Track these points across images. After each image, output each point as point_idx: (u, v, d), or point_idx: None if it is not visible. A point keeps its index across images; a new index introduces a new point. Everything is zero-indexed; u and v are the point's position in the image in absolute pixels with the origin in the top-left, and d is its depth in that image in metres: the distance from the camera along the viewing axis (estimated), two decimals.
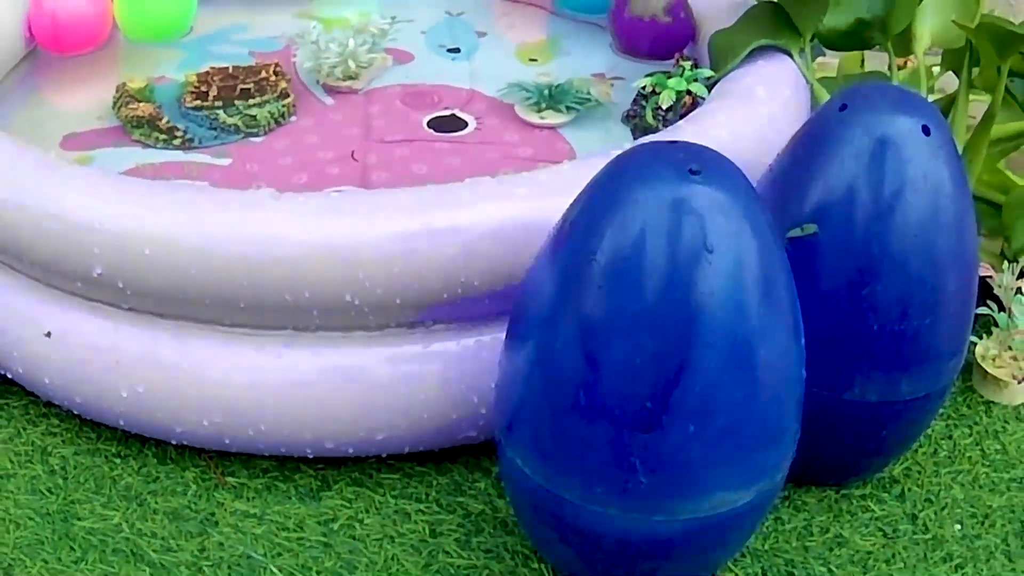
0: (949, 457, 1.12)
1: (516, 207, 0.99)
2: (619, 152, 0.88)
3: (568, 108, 1.25)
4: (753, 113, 1.12)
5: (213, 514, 1.03)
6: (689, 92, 1.19)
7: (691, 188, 0.83)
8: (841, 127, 0.98)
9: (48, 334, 1.05)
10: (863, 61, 1.45)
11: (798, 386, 0.90)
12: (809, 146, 1.00)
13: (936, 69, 1.35)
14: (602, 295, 0.85)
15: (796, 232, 0.95)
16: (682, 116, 1.15)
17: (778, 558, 1.02)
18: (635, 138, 1.21)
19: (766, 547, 1.03)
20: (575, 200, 0.89)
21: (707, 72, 1.19)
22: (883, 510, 1.06)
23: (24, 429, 1.12)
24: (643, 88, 1.23)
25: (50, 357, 1.06)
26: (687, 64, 1.23)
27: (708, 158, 0.87)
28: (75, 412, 1.10)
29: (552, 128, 1.25)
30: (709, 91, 1.18)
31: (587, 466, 0.89)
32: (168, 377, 1.01)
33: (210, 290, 0.97)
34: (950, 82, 1.35)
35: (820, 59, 1.34)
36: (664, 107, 1.18)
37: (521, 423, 0.91)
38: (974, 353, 1.18)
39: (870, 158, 0.96)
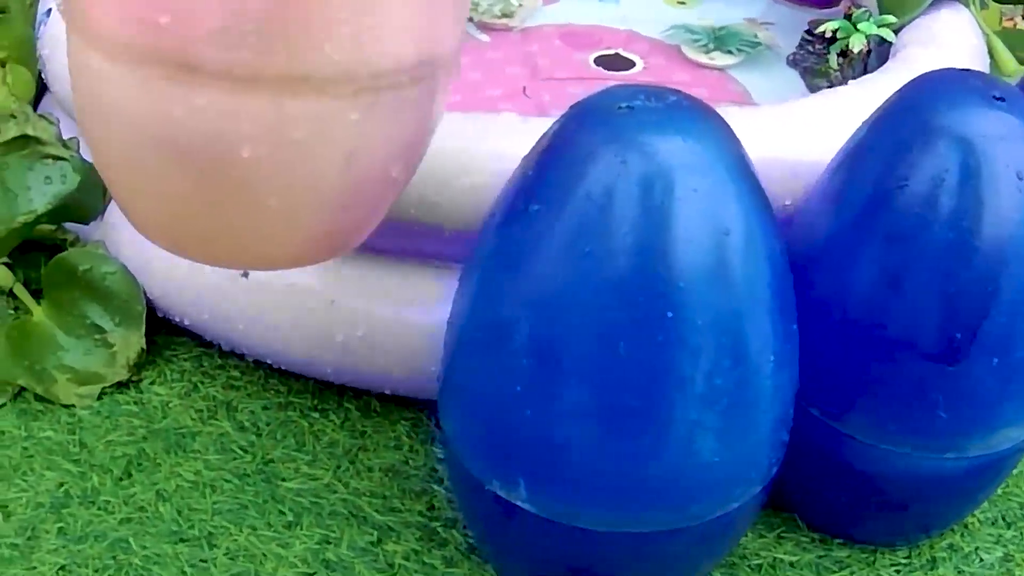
0: None
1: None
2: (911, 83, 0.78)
3: (738, 50, 1.11)
4: (949, 59, 1.00)
5: (435, 470, 0.87)
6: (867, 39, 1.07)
7: (1000, 115, 0.73)
8: None
9: (245, 275, 0.87)
10: (1000, 19, 1.34)
11: None
12: None
13: None
14: (911, 221, 0.74)
15: None
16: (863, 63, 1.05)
17: (1011, 502, 0.91)
18: (805, 82, 1.10)
19: (999, 492, 0.91)
20: (862, 126, 0.79)
21: (890, 19, 1.07)
22: None
23: (201, 383, 0.95)
24: (823, 33, 1.10)
25: (246, 301, 0.88)
26: (860, 11, 1.10)
27: (1007, 88, 0.77)
28: (268, 362, 0.92)
29: (720, 70, 1.11)
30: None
31: (883, 403, 0.78)
32: (392, 319, 0.85)
33: (451, 220, 0.82)
34: None
35: None
36: (855, 51, 1.05)
37: (811, 360, 0.78)
38: None
39: None
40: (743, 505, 0.73)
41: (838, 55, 1.08)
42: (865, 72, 1.06)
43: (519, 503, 0.71)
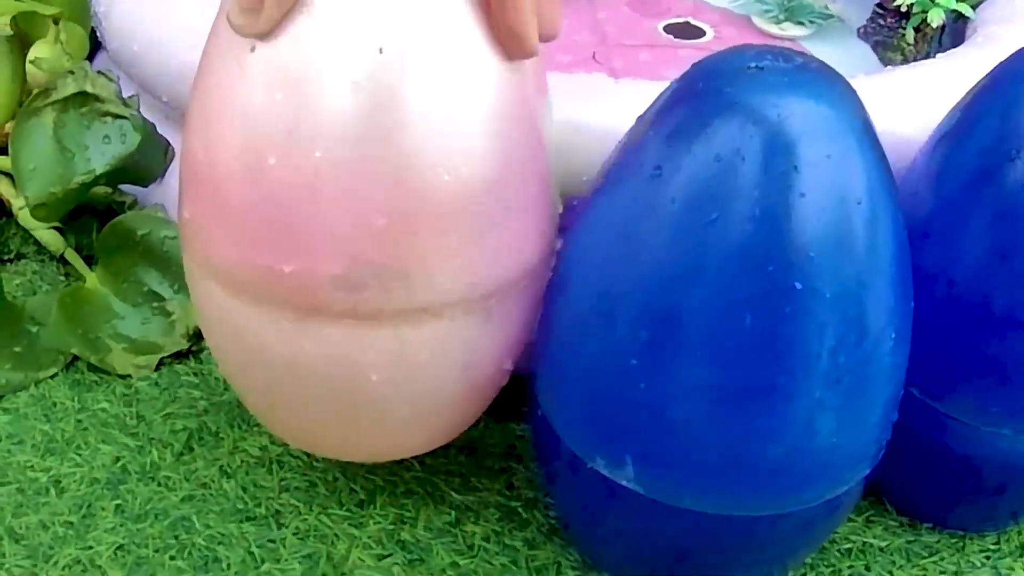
0: None
1: None
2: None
3: (810, 22, 1.08)
4: None
5: (513, 447, 0.83)
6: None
7: None
8: None
9: None
10: None
11: None
12: None
13: None
14: (1022, 193, 0.69)
15: None
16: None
17: None
18: (878, 56, 1.06)
19: None
20: (963, 100, 0.75)
21: None
22: None
23: None
24: (897, 6, 1.06)
25: None
26: None
27: None
28: None
29: (792, 40, 1.07)
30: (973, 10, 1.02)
31: (987, 383, 0.74)
32: None
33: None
34: None
35: None
36: (933, 26, 1.01)
37: (913, 338, 0.74)
38: None
39: None
40: (851, 488, 0.69)
41: (914, 29, 1.04)
42: (940, 48, 1.03)
43: (624, 482, 0.67)
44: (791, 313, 0.61)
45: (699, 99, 0.63)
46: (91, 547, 0.76)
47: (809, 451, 0.65)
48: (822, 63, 0.65)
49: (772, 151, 0.60)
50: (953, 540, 0.82)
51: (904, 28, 1.05)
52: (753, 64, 0.63)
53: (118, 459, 0.82)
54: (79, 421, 0.85)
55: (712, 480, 0.65)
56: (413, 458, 0.82)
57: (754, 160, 0.60)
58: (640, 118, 0.66)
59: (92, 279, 0.91)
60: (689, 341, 0.62)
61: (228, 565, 0.75)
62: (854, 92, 0.64)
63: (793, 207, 0.60)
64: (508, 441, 0.84)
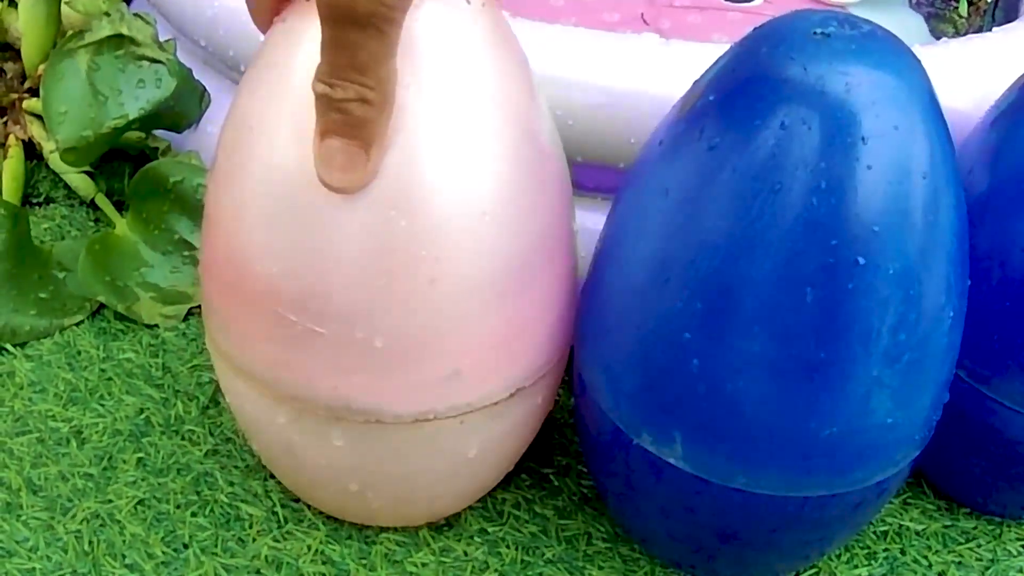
0: None
1: None
2: None
3: None
4: None
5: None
6: None
7: None
8: None
9: None
10: None
11: None
12: None
13: None
14: None
15: None
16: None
17: None
18: (929, 27, 1.02)
19: None
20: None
21: None
22: None
23: None
24: None
25: None
26: None
27: None
28: None
29: (842, 8, 1.04)
30: None
31: None
32: None
33: (588, 149, 0.76)
34: None
35: None
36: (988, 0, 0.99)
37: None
38: None
39: None
40: (900, 471, 0.67)
41: (967, 2, 1.01)
42: (994, 24, 1.00)
43: (671, 460, 0.65)
44: (853, 289, 0.58)
45: (762, 64, 0.60)
46: (111, 501, 0.74)
47: (864, 431, 0.62)
48: (888, 31, 0.62)
49: (839, 121, 0.57)
50: (990, 527, 0.80)
51: (958, 0, 1.02)
52: (819, 30, 0.60)
53: (142, 411, 0.80)
54: (103, 371, 0.83)
55: (764, 459, 0.63)
56: None
57: (820, 130, 0.57)
58: (697, 82, 0.63)
59: (122, 225, 0.88)
60: (746, 315, 0.60)
61: (251, 523, 0.73)
62: (919, 62, 0.61)
63: (859, 179, 0.57)
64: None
